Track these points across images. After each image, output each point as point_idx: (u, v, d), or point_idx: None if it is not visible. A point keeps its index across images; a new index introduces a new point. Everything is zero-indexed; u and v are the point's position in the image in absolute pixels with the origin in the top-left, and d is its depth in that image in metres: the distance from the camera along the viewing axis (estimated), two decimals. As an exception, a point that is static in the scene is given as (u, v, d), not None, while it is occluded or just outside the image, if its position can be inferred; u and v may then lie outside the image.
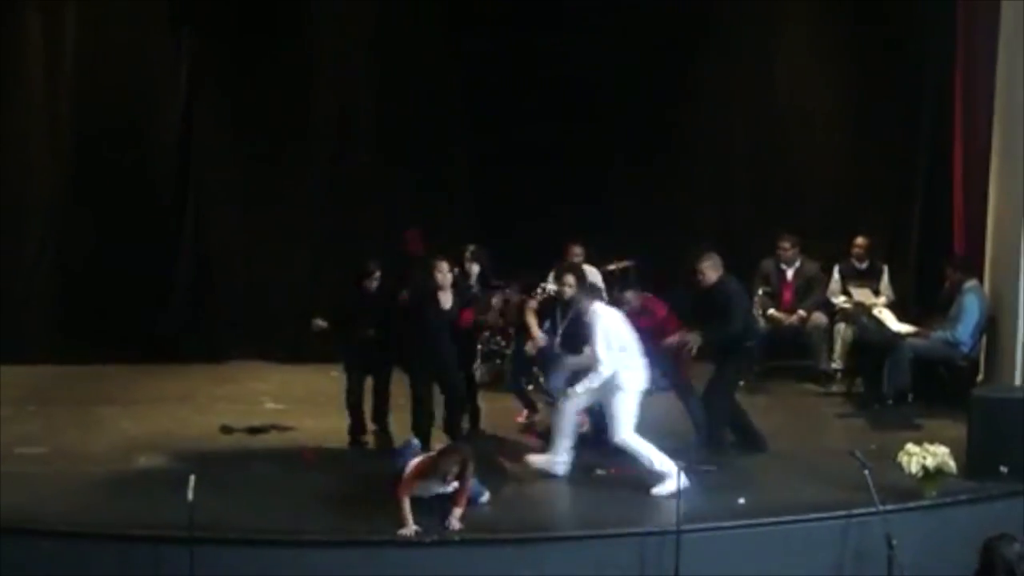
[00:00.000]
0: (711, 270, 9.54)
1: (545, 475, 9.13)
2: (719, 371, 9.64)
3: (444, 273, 9.67)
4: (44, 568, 7.85)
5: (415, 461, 8.42)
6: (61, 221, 12.49)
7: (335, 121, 12.59)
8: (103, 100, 12.37)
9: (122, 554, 7.88)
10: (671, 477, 8.45)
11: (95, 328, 12.31)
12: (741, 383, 10.23)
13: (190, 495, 7.71)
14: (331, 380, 10.42)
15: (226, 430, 10.20)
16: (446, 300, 9.71)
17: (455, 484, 8.23)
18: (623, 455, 8.99)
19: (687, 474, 8.42)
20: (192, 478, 7.78)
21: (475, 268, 10.84)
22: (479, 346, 11.27)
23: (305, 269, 12.60)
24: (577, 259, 11.73)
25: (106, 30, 12.33)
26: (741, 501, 8.61)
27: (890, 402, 10.60)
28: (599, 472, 9.15)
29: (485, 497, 8.58)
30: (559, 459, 9.14)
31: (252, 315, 12.59)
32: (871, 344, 10.94)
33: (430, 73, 12.43)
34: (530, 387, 10.70)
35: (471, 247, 10.92)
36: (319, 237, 12.61)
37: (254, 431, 10.19)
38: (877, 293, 11.48)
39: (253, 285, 12.62)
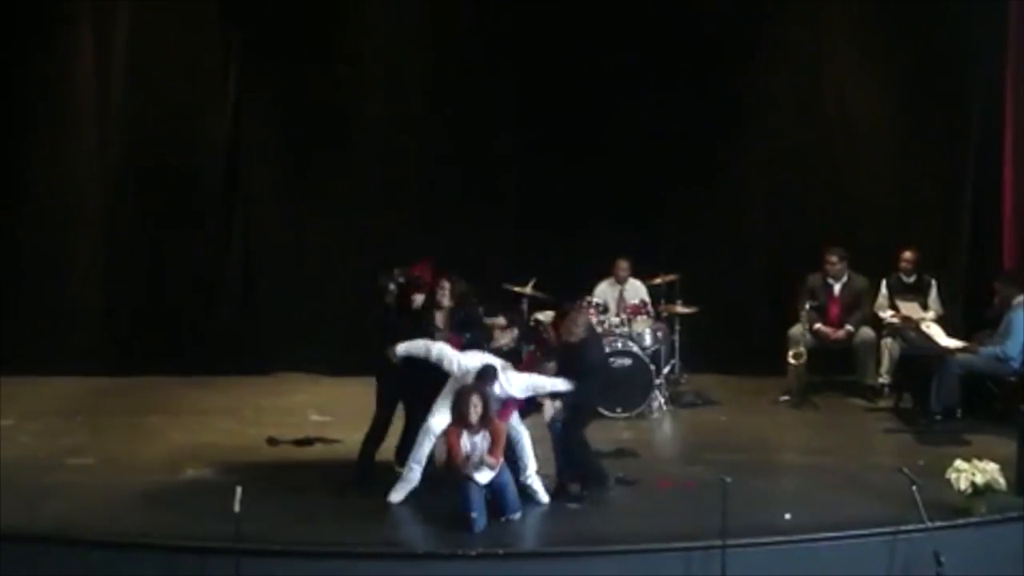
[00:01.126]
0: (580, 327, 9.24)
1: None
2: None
3: (444, 291, 9.30)
4: (92, 578, 7.91)
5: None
6: (110, 234, 12.57)
7: (385, 124, 12.59)
8: (151, 106, 12.41)
9: (168, 564, 7.93)
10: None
11: (143, 340, 12.41)
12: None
13: (236, 506, 7.74)
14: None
15: (272, 442, 10.24)
16: (440, 320, 9.32)
17: (486, 434, 8.32)
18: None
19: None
20: (239, 489, 7.82)
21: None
22: None
23: (354, 280, 12.61)
24: (623, 272, 11.80)
25: (156, 32, 12.37)
26: (787, 516, 8.55)
27: (938, 418, 10.49)
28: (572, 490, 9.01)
29: (517, 515, 8.55)
30: None
31: (299, 327, 12.62)
32: (919, 359, 10.85)
33: (481, 75, 12.42)
34: None
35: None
36: (367, 248, 12.62)
37: (300, 443, 10.22)
38: (925, 307, 11.40)
39: (300, 298, 12.66)
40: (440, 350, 8.85)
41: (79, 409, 11.20)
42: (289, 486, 9.21)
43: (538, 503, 8.81)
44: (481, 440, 8.41)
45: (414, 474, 8.78)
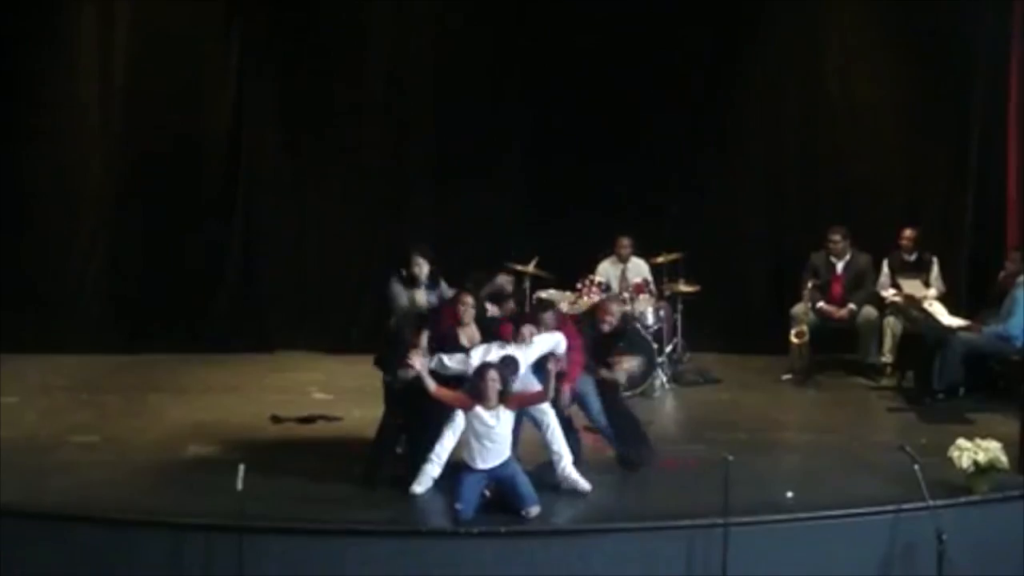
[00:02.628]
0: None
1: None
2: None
3: (468, 307, 8.81)
4: (95, 555, 7.93)
5: None
6: (113, 212, 12.60)
7: (387, 111, 12.61)
8: (154, 92, 12.44)
9: (172, 542, 7.93)
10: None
11: (146, 318, 12.44)
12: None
13: (240, 484, 7.76)
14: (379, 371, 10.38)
15: (275, 419, 10.26)
16: (469, 336, 8.83)
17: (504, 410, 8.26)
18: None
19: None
20: (242, 467, 7.84)
21: (425, 268, 9.41)
22: None
23: (354, 259, 12.65)
24: (626, 251, 11.81)
25: (158, 21, 12.41)
26: (790, 495, 8.57)
27: (941, 396, 10.52)
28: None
29: (536, 508, 8.24)
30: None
31: (300, 305, 12.66)
32: (922, 338, 10.86)
33: (484, 65, 12.42)
34: None
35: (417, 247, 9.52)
36: (368, 227, 12.64)
37: (302, 421, 10.24)
38: (927, 285, 11.39)
39: (302, 275, 12.69)
40: (463, 362, 8.58)
41: (83, 387, 11.22)
42: (292, 463, 9.23)
43: (580, 493, 8.57)
44: (504, 415, 8.30)
45: (435, 466, 8.56)
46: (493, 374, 8.30)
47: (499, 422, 8.31)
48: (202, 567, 7.96)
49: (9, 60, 12.16)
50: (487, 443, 8.31)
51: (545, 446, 8.71)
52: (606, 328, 9.18)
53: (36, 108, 12.39)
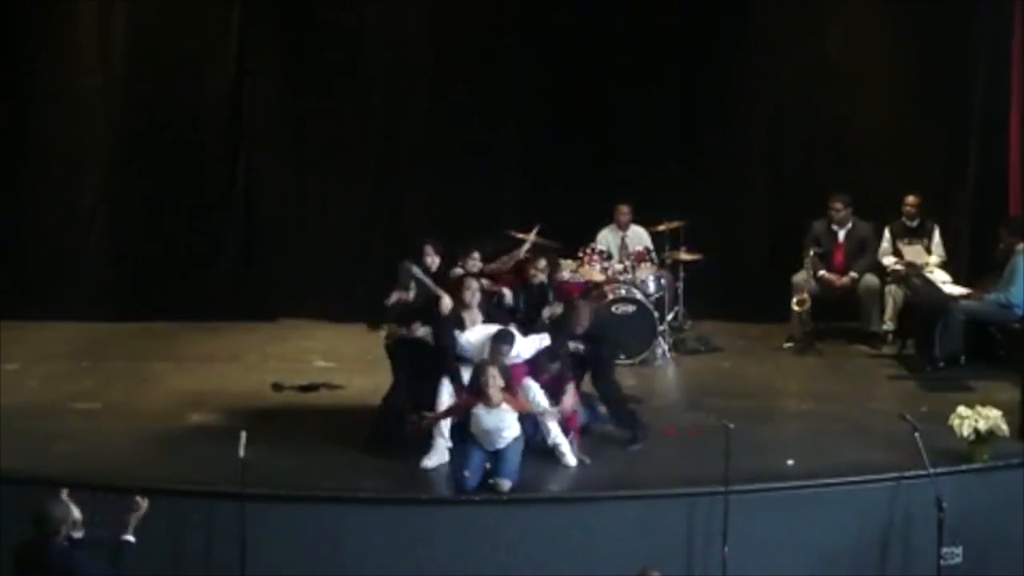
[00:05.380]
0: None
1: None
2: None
3: (473, 291, 8.84)
4: (96, 522, 7.94)
5: None
6: (114, 180, 12.56)
7: (388, 74, 12.54)
8: (156, 58, 12.38)
9: (174, 509, 7.96)
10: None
11: (147, 286, 12.42)
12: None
13: (241, 451, 7.79)
14: (380, 339, 10.39)
15: (276, 388, 10.27)
16: (472, 319, 8.85)
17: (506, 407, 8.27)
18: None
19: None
20: (243, 435, 7.87)
21: (436, 261, 9.30)
22: None
23: (356, 227, 12.63)
24: (625, 218, 11.78)
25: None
26: (790, 463, 8.59)
27: (942, 364, 10.51)
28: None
29: (508, 484, 8.20)
30: None
31: (302, 274, 12.65)
32: (923, 306, 10.86)
33: (482, 33, 12.35)
34: None
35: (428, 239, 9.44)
36: (370, 195, 12.62)
37: (304, 389, 10.25)
38: (928, 252, 11.38)
39: (303, 243, 12.66)
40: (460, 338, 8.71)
41: (85, 354, 11.24)
42: (294, 431, 9.26)
43: (565, 466, 8.62)
44: (506, 413, 8.30)
45: (442, 442, 8.63)
46: (493, 372, 8.26)
47: (502, 419, 8.29)
48: (204, 534, 7.99)
49: (6, 21, 12.10)
50: (492, 435, 8.32)
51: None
52: (577, 331, 9.16)
53: (36, 72, 12.33)
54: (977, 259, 11.61)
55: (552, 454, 8.65)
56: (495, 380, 8.24)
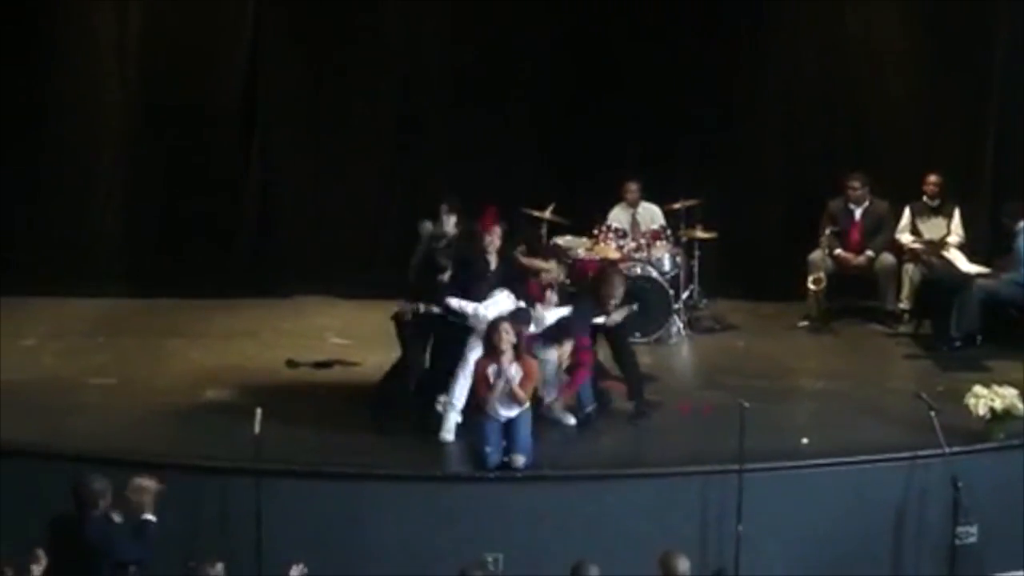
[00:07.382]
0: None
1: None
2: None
3: (495, 237, 8.94)
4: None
5: None
6: (130, 157, 12.56)
7: (404, 54, 12.52)
8: (171, 36, 12.35)
9: (189, 485, 7.99)
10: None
11: (163, 262, 12.43)
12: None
13: (257, 428, 7.82)
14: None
15: (292, 364, 10.28)
16: (494, 264, 8.98)
17: (518, 367, 8.30)
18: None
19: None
20: (259, 411, 7.89)
21: (452, 219, 9.52)
22: None
23: (371, 204, 12.63)
24: (633, 195, 11.72)
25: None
26: (805, 441, 8.59)
27: (958, 344, 10.50)
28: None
29: (522, 460, 8.25)
30: None
31: (317, 250, 12.64)
32: (940, 284, 10.82)
33: (501, 9, 12.31)
34: None
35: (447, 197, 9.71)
36: (386, 172, 12.60)
37: (319, 365, 10.26)
38: (948, 231, 11.33)
39: (319, 220, 12.65)
40: (476, 309, 8.69)
41: (101, 330, 11.25)
42: (309, 408, 9.28)
43: (566, 425, 8.76)
44: (515, 372, 8.29)
45: (455, 412, 8.67)
46: (506, 327, 8.28)
47: (518, 375, 8.29)
48: (219, 510, 8.02)
49: (27, 3, 12.11)
50: (505, 396, 8.31)
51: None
52: (611, 304, 9.13)
53: (52, 51, 12.33)
54: (997, 239, 11.56)
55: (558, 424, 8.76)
56: (508, 335, 8.25)
